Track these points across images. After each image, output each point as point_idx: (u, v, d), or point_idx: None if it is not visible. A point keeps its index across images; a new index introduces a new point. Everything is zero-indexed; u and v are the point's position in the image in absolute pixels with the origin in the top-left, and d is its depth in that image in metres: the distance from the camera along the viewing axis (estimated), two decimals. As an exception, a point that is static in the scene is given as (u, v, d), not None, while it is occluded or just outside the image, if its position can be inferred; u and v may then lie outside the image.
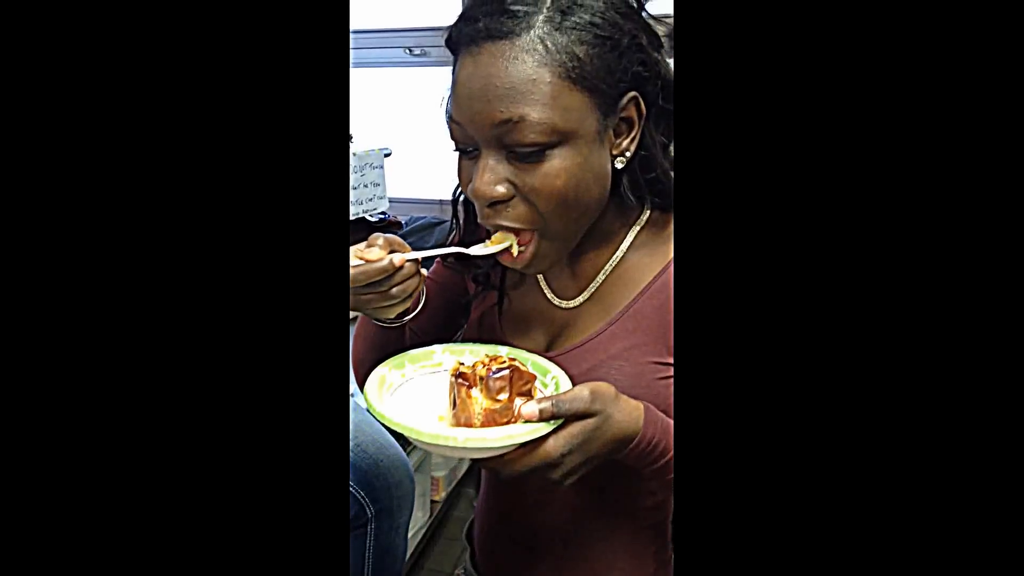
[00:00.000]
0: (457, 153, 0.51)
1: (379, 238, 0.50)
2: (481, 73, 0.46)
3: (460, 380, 0.46)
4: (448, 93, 0.50)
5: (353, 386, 1.13)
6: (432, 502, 1.69)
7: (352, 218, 1.54)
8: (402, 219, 1.86)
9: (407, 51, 1.90)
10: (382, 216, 1.83)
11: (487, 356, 0.49)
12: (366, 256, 0.48)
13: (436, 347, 0.56)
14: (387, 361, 0.54)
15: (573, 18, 0.46)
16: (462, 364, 0.48)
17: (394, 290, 0.49)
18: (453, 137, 0.51)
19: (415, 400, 0.52)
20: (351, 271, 0.48)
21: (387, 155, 1.62)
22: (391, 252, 0.49)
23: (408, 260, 0.49)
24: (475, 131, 0.48)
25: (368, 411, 0.48)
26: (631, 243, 0.56)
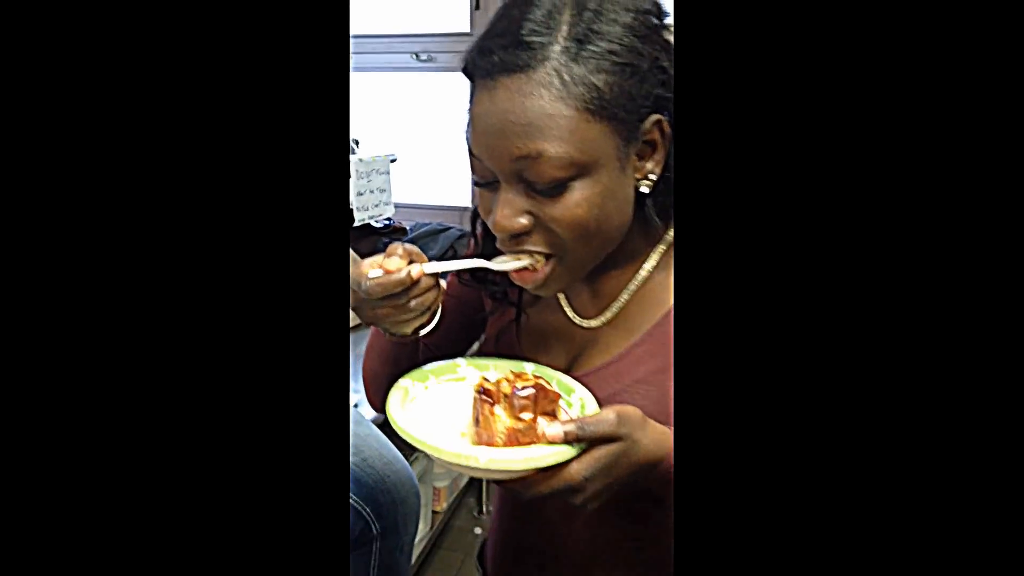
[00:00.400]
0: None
1: (398, 248, 0.48)
2: (497, 108, 0.45)
3: (484, 397, 0.44)
4: (467, 123, 0.48)
5: (359, 397, 1.10)
6: (433, 513, 1.67)
7: (357, 224, 1.52)
8: (407, 225, 1.85)
9: (414, 56, 1.89)
10: (387, 222, 1.81)
11: (512, 372, 0.47)
12: (385, 266, 0.46)
13: (460, 360, 0.54)
14: (410, 373, 0.52)
15: (591, 47, 0.44)
16: (486, 380, 0.46)
17: (412, 303, 0.47)
18: (474, 170, 0.49)
19: (437, 414, 0.49)
20: (369, 283, 0.46)
21: (393, 161, 1.61)
22: (410, 263, 0.47)
23: (427, 273, 0.47)
24: (493, 166, 0.47)
25: (388, 423, 0.46)
26: (656, 263, 0.54)
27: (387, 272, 0.46)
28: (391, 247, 0.48)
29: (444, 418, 0.49)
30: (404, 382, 0.51)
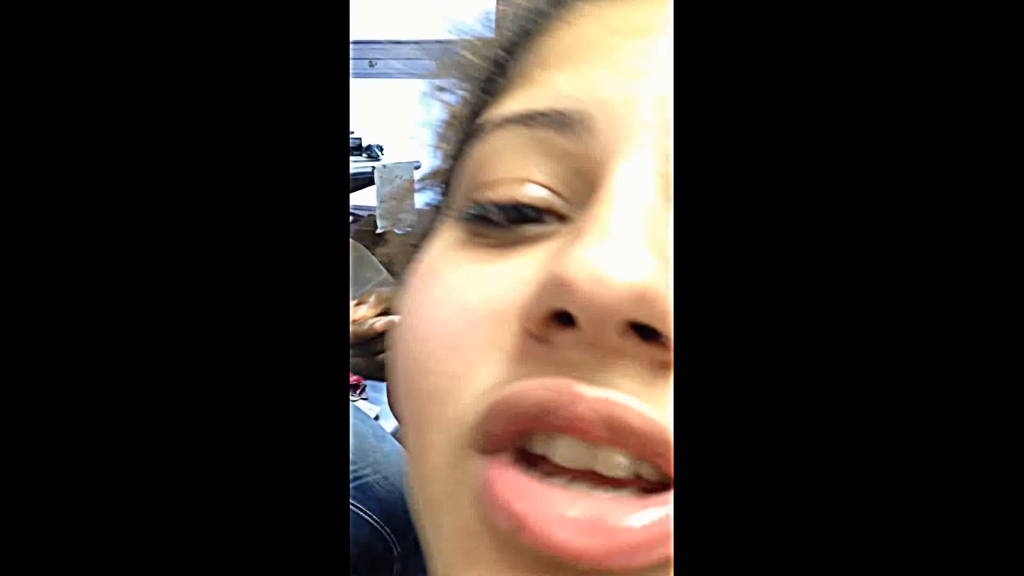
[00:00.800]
0: None
1: (371, 295, 0.44)
2: None
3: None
4: None
5: (380, 409, 1.08)
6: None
7: (380, 231, 1.51)
8: (429, 233, 1.83)
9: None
10: (409, 229, 1.80)
11: None
12: (354, 316, 0.43)
13: None
14: None
15: None
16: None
17: (381, 357, 0.44)
18: None
19: None
20: None
21: (416, 167, 1.60)
22: (384, 312, 0.43)
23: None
24: None
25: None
26: None
27: (352, 320, 0.43)
28: (365, 294, 0.44)
29: None
30: None
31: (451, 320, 0.21)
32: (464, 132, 0.27)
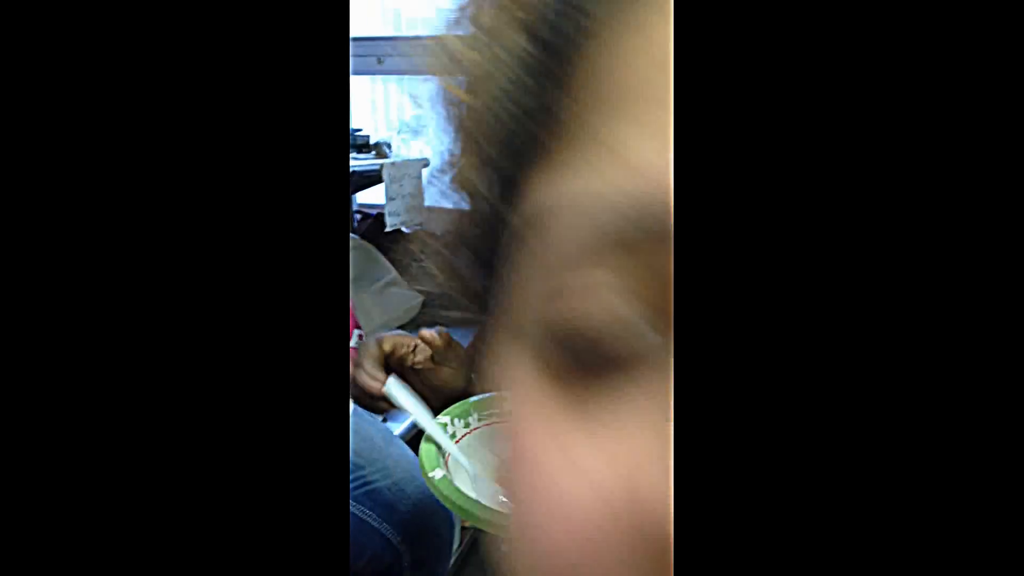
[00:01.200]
0: None
1: (367, 348, 0.43)
2: None
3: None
4: None
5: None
6: (463, 528, 1.64)
7: (388, 229, 1.50)
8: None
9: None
10: (418, 228, 1.79)
11: None
12: (362, 371, 0.42)
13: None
14: (450, 408, 0.47)
15: None
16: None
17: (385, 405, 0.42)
18: None
19: (477, 458, 0.45)
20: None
21: (425, 165, 1.58)
22: (388, 357, 0.42)
23: (390, 392, 0.42)
24: None
25: (418, 438, 0.42)
26: None
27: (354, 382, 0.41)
28: (360, 348, 0.43)
29: (487, 465, 0.44)
30: (443, 418, 0.46)
31: (571, 547, 0.17)
32: (496, 168, 0.22)
